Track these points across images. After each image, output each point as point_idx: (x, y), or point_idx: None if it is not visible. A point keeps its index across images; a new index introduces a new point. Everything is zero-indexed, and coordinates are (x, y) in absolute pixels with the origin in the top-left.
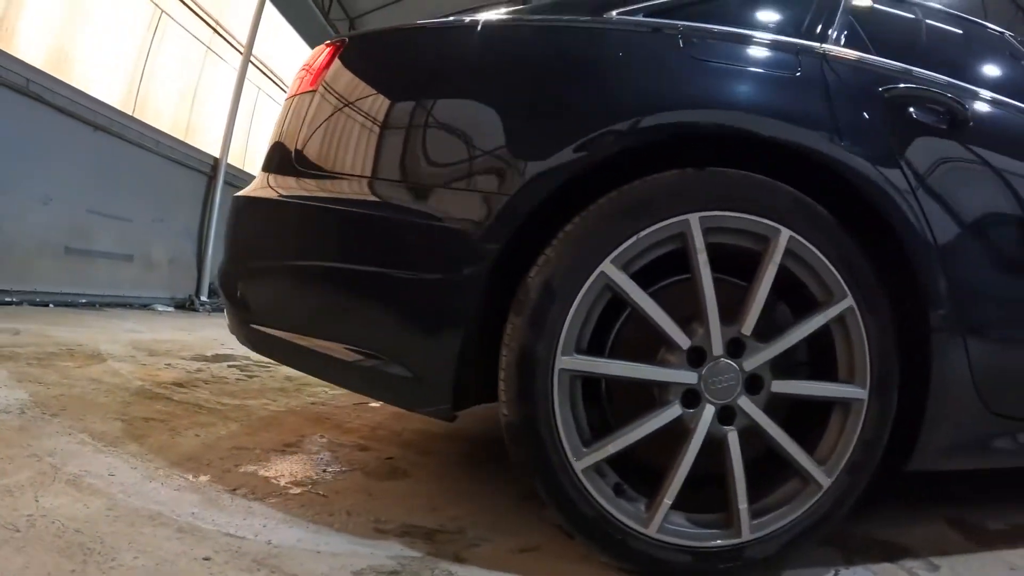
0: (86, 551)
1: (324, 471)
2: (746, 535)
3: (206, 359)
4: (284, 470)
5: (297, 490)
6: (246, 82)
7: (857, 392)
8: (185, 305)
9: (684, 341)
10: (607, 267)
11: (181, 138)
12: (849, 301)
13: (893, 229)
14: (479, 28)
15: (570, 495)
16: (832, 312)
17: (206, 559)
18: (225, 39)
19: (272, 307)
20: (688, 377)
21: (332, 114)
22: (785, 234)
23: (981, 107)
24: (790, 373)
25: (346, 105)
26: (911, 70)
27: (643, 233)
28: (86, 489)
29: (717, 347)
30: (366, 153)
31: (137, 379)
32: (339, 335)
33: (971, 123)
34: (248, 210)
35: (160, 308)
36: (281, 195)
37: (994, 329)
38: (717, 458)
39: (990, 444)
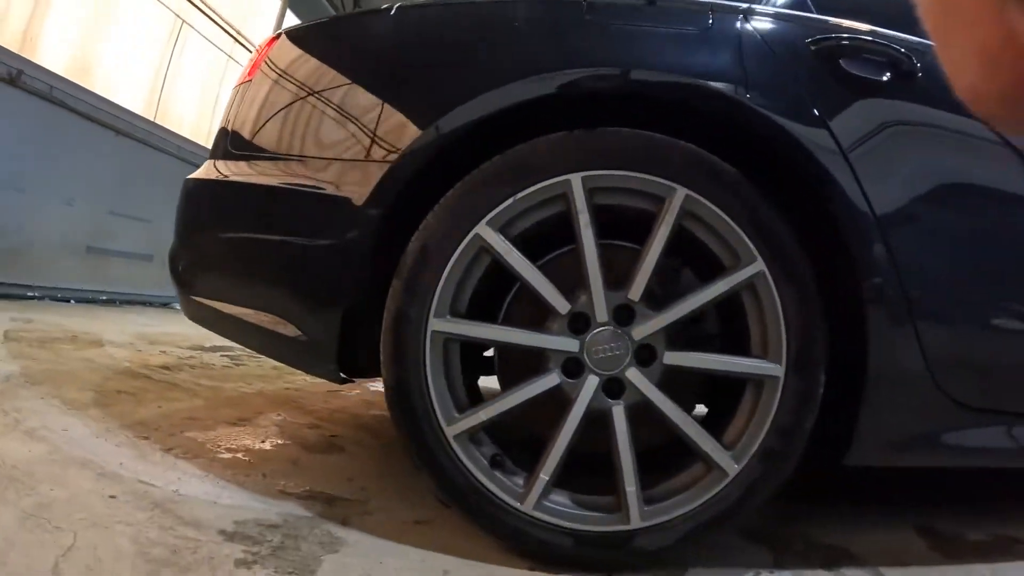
0: (13, 481)
1: (263, 442)
2: (636, 522)
3: (202, 349)
4: (225, 438)
5: (227, 455)
6: None
7: (770, 368)
8: None
9: (563, 306)
10: (482, 229)
11: (202, 143)
12: (759, 266)
13: (817, 191)
14: (377, 15)
15: (441, 462)
16: (737, 278)
17: (112, 497)
18: (246, 47)
19: (204, 278)
20: (568, 344)
21: (258, 101)
22: (680, 193)
23: (932, 58)
24: (697, 346)
25: (268, 93)
26: (843, 22)
27: (521, 195)
28: (37, 438)
29: (601, 313)
30: (277, 134)
31: (127, 361)
32: (252, 301)
33: (920, 75)
34: (186, 192)
35: (178, 307)
36: (211, 176)
37: (954, 306)
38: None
39: (956, 440)
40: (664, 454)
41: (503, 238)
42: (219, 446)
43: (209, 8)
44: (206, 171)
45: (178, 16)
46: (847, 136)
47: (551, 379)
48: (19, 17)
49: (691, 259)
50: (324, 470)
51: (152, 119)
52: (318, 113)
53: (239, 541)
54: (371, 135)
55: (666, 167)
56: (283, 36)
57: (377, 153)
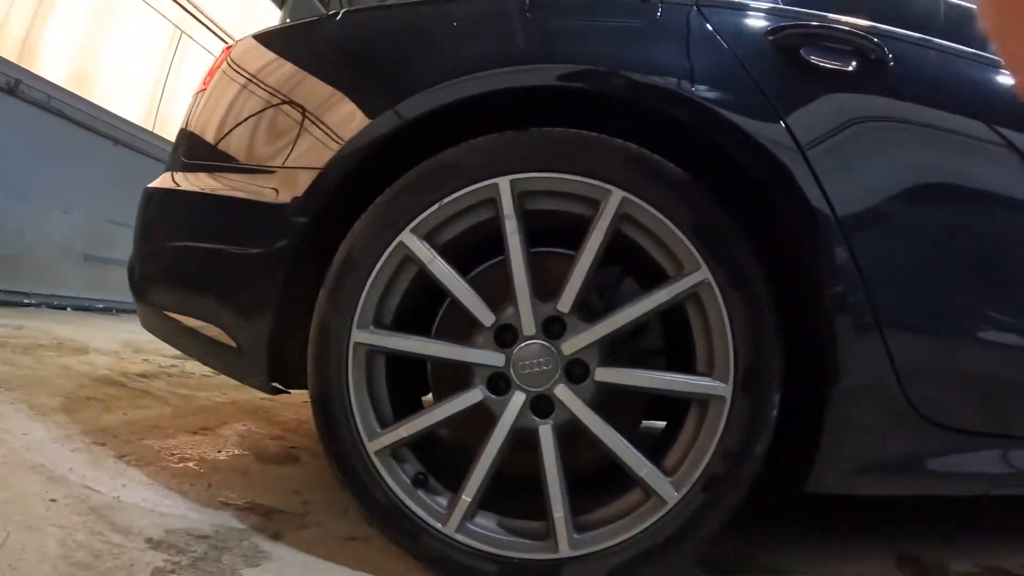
0: None
1: (219, 452)
2: (564, 550)
3: (184, 358)
4: (182, 447)
5: (179, 464)
6: None
7: (715, 387)
8: None
9: (488, 318)
10: (406, 236)
11: None
12: (703, 274)
13: (770, 192)
14: (313, 24)
15: (362, 478)
16: (678, 287)
17: (52, 500)
18: None
19: (153, 287)
20: (493, 359)
21: (206, 110)
22: (616, 195)
23: (906, 48)
24: (641, 363)
25: (215, 102)
26: (808, 11)
27: (446, 200)
28: None
29: (528, 326)
30: (219, 144)
31: (106, 369)
32: (192, 310)
33: (891, 64)
34: (141, 202)
35: None
36: (161, 186)
37: (929, 316)
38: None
39: (933, 465)
40: (604, 478)
41: (428, 246)
42: (173, 455)
43: (208, 18)
44: (160, 181)
45: (177, 27)
46: (806, 131)
47: (473, 395)
48: (19, 25)
49: (635, 268)
50: (273, 482)
51: (151, 129)
52: (254, 122)
53: (163, 550)
54: (298, 144)
55: (601, 168)
56: (234, 47)
57: (305, 160)
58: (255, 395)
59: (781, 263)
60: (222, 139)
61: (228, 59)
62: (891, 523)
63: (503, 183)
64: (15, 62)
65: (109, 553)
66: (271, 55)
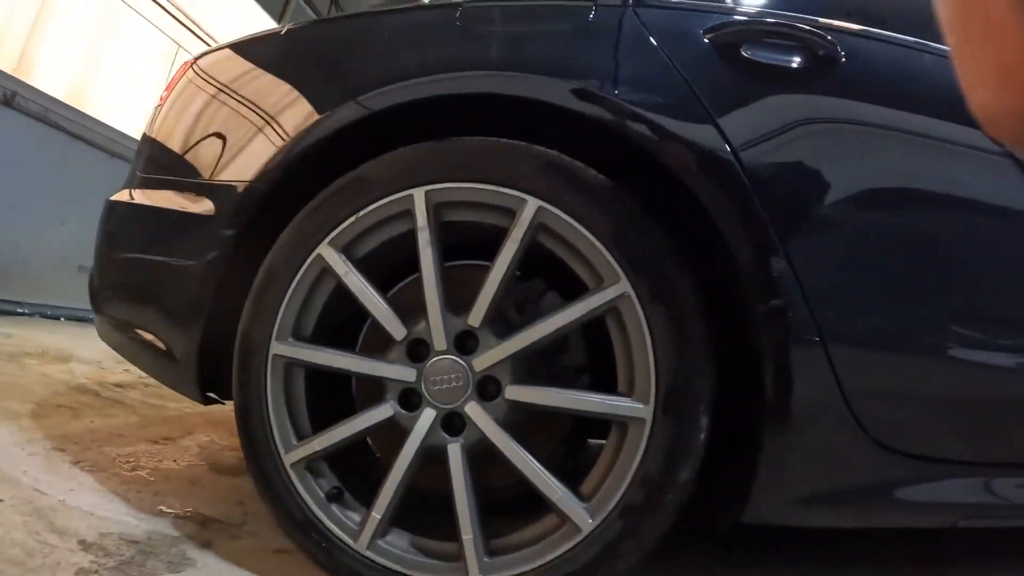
0: None
1: (174, 461)
2: (474, 574)
3: None
4: (139, 455)
5: (131, 472)
6: None
7: (633, 408)
8: None
9: (399, 331)
10: (324, 249)
11: None
12: (623, 287)
13: (699, 199)
14: (258, 39)
15: (278, 491)
16: (596, 301)
17: (0, 500)
18: None
19: (106, 298)
20: (404, 373)
21: (159, 124)
22: (532, 205)
23: (860, 44)
24: (562, 381)
25: (166, 117)
26: (751, 9)
27: (363, 212)
28: None
29: (439, 341)
30: (169, 157)
31: (84, 378)
32: (137, 321)
33: (843, 62)
34: (102, 214)
35: None
36: (117, 199)
37: (879, 332)
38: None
39: (887, 494)
40: (525, 501)
41: (344, 258)
42: (128, 462)
43: (206, 33)
44: (119, 194)
45: (175, 42)
46: (740, 133)
47: (384, 411)
48: (16, 39)
49: (560, 281)
50: (220, 492)
51: None
52: (194, 136)
53: (93, 552)
54: (229, 157)
55: (516, 177)
56: (190, 63)
57: (235, 174)
58: (227, 407)
59: (716, 276)
60: (169, 153)
61: (185, 74)
62: (853, 545)
63: (418, 194)
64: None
65: (40, 552)
66: (214, 74)
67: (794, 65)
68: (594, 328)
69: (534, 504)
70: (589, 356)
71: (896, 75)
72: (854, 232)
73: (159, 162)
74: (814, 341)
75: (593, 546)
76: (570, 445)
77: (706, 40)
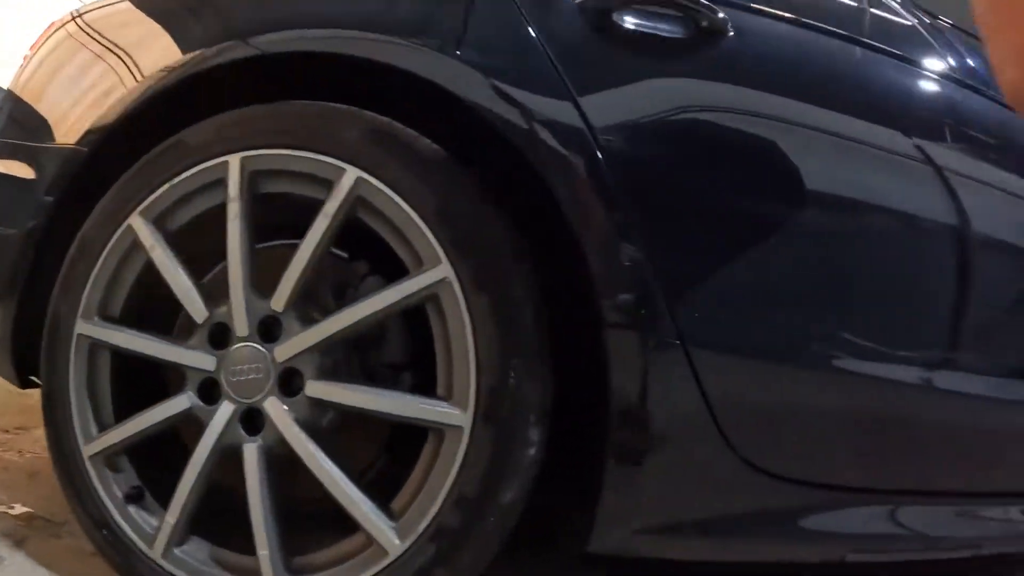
0: None
1: (19, 453)
2: None
3: None
4: (10, 453)
5: None
6: None
7: (447, 415)
8: None
9: (200, 313)
10: (134, 219)
11: None
12: (443, 271)
13: (552, 183)
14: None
15: (78, 487)
16: (412, 286)
17: None
18: None
19: None
20: (202, 361)
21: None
22: (351, 175)
23: (752, 19)
24: (384, 381)
25: (20, 81)
26: None
27: (176, 180)
28: None
29: (241, 326)
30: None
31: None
32: None
33: (730, 35)
34: None
35: None
36: None
37: (755, 336)
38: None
39: (761, 524)
40: (337, 514)
41: (153, 230)
42: None
43: None
44: None
45: None
46: (602, 111)
47: (181, 402)
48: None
49: (391, 266)
50: (57, 487)
51: None
52: (33, 101)
53: None
54: (60, 120)
55: (336, 144)
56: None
57: (62, 137)
58: None
59: (564, 267)
60: (19, 114)
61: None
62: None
63: (233, 160)
64: None
65: None
66: (59, 37)
67: (670, 37)
68: (424, 320)
69: (336, 519)
70: (418, 354)
71: (789, 55)
72: (726, 225)
73: (18, 123)
74: (674, 344)
75: (402, 572)
76: (395, 456)
77: (575, 3)
